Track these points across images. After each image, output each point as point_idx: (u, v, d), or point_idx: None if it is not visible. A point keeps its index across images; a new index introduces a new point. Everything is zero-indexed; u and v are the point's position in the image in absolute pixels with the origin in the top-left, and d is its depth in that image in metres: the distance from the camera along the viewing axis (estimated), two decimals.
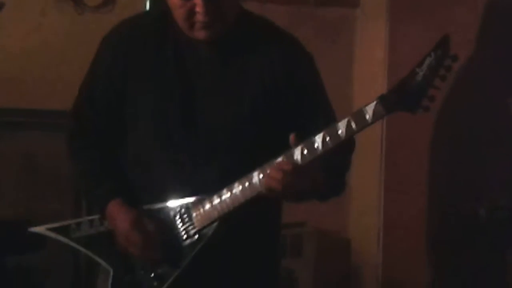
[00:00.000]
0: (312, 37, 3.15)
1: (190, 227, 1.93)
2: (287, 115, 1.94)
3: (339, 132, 1.77)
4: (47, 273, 2.98)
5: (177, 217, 1.94)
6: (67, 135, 2.07)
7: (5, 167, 3.08)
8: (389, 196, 3.32)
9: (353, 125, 1.76)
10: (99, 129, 2.02)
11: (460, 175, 3.31)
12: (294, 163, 1.80)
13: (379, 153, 3.33)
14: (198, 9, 1.84)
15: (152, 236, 1.91)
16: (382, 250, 3.34)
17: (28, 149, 3.07)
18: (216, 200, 1.89)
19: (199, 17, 1.85)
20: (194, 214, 1.92)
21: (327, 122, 1.87)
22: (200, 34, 1.89)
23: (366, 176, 3.32)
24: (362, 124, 1.76)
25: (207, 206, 1.90)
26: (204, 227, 1.91)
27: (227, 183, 1.87)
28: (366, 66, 3.47)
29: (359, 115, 1.75)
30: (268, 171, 1.82)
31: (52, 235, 2.04)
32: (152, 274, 1.94)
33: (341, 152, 1.84)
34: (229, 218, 1.89)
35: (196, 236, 1.92)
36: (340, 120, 1.78)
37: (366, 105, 1.75)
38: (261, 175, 1.83)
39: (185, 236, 1.93)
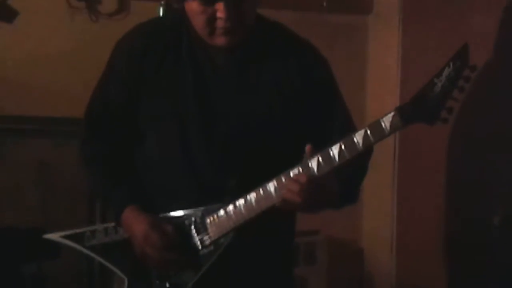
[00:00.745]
0: (325, 44, 3.13)
1: (205, 237, 1.92)
2: (304, 121, 1.93)
3: (356, 143, 1.75)
4: (63, 281, 2.98)
5: (192, 226, 1.93)
6: (81, 141, 2.07)
7: (19, 174, 3.09)
8: (402, 205, 3.31)
9: (371, 136, 1.74)
10: (113, 135, 2.02)
11: (474, 184, 3.30)
12: (311, 174, 1.79)
13: (392, 162, 3.32)
14: (220, 14, 1.83)
15: (171, 236, 1.91)
16: (395, 259, 3.33)
17: (42, 156, 3.08)
18: (232, 210, 1.88)
19: (221, 23, 1.84)
20: (209, 224, 1.91)
21: (345, 127, 1.86)
22: (220, 40, 1.87)
23: (379, 184, 3.31)
24: (380, 135, 1.74)
25: (223, 215, 1.89)
26: (220, 237, 1.90)
27: (244, 191, 1.86)
28: (378, 72, 3.46)
29: (376, 127, 1.74)
30: (284, 183, 1.80)
31: (67, 242, 2.04)
32: (168, 284, 1.93)
33: (359, 159, 1.83)
34: (244, 228, 1.88)
35: (212, 246, 1.91)
36: (357, 131, 1.77)
37: (383, 116, 1.73)
38: (277, 186, 1.82)
39: (200, 246, 1.93)
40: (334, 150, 1.77)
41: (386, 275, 3.36)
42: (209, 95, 1.93)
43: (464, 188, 3.35)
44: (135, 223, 1.92)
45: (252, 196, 1.85)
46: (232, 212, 1.88)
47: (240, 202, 1.87)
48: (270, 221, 1.86)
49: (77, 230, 2.04)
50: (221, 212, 1.89)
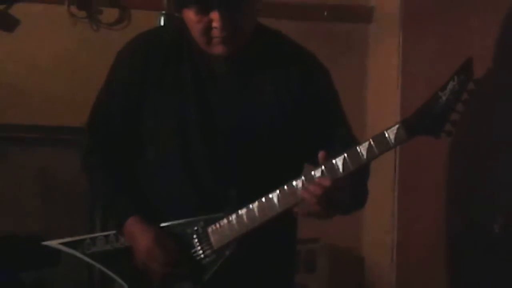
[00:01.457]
0: (325, 52, 3.15)
1: (207, 246, 1.92)
2: (304, 130, 1.94)
3: (360, 155, 1.75)
4: None
5: (194, 235, 1.93)
6: (82, 151, 2.07)
7: (20, 182, 3.09)
8: (402, 214, 3.31)
9: (375, 148, 1.74)
10: (115, 145, 2.02)
11: (474, 192, 3.29)
12: (336, 176, 1.76)
13: (392, 170, 3.31)
14: (215, 24, 1.83)
15: (174, 252, 1.91)
16: (395, 268, 3.32)
17: (43, 165, 3.08)
18: (234, 220, 1.88)
19: (216, 32, 1.84)
20: (211, 233, 1.92)
21: (345, 137, 1.87)
22: (217, 49, 1.88)
23: (380, 193, 3.30)
24: (384, 147, 1.74)
25: (225, 225, 1.90)
26: (222, 247, 1.91)
27: (245, 200, 1.86)
28: (379, 81, 3.47)
29: (380, 139, 1.74)
30: (305, 185, 1.78)
31: (66, 249, 2.04)
32: None
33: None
34: (246, 238, 1.88)
35: (214, 256, 1.92)
36: (359, 141, 1.78)
37: (388, 128, 1.74)
38: (280, 196, 1.82)
39: (202, 255, 1.93)
40: (338, 162, 1.77)
41: (386, 283, 3.35)
42: (210, 104, 1.93)
43: (465, 197, 3.34)
44: (138, 236, 1.93)
45: (254, 205, 1.85)
46: (234, 222, 1.88)
47: (243, 211, 1.87)
48: (272, 229, 1.86)
49: (78, 238, 2.04)
50: (224, 221, 1.90)
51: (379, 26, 3.45)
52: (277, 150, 1.93)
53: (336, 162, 1.77)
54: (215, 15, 1.82)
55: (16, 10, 3.09)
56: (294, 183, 1.81)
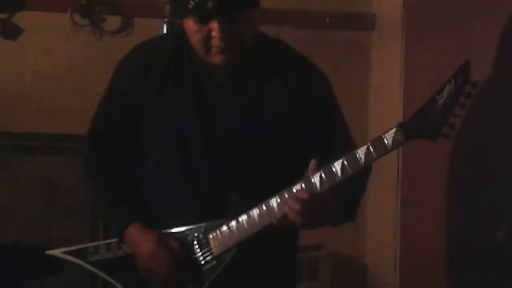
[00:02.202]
0: (328, 60, 3.16)
1: (208, 253, 1.93)
2: (304, 137, 1.94)
3: (359, 159, 1.76)
4: None
5: (195, 241, 1.94)
6: (83, 159, 2.08)
7: (22, 190, 3.09)
8: (406, 222, 3.30)
9: (373, 152, 1.75)
10: (116, 153, 2.03)
11: (477, 200, 3.28)
12: (313, 191, 1.79)
13: (395, 178, 3.31)
14: (215, 33, 1.84)
15: (178, 252, 1.92)
16: (399, 276, 3.31)
17: (45, 173, 3.09)
18: (234, 226, 1.89)
19: (216, 41, 1.85)
20: (212, 239, 1.92)
21: (345, 144, 1.87)
22: (216, 58, 1.89)
23: (383, 201, 3.31)
24: (382, 151, 1.75)
25: (225, 231, 1.90)
26: (222, 253, 1.91)
27: (245, 206, 1.87)
28: (381, 89, 3.47)
29: (378, 142, 1.75)
30: (286, 199, 1.81)
31: (69, 258, 2.05)
32: None
33: (358, 177, 1.84)
34: (247, 244, 1.88)
35: (214, 262, 1.92)
36: (359, 147, 1.78)
37: (386, 132, 1.75)
38: (280, 202, 1.83)
39: (203, 261, 1.93)
40: (337, 166, 1.78)
41: None
42: (210, 112, 1.94)
43: (468, 205, 3.33)
44: (140, 241, 1.94)
45: (255, 211, 1.86)
46: (234, 228, 1.89)
47: (243, 217, 1.87)
48: (273, 236, 1.86)
49: (80, 246, 2.05)
50: (224, 227, 1.90)
51: (381, 33, 3.46)
52: (277, 157, 1.94)
53: (334, 166, 1.78)
54: (214, 25, 1.83)
55: (19, 19, 3.11)
56: (293, 188, 1.81)
